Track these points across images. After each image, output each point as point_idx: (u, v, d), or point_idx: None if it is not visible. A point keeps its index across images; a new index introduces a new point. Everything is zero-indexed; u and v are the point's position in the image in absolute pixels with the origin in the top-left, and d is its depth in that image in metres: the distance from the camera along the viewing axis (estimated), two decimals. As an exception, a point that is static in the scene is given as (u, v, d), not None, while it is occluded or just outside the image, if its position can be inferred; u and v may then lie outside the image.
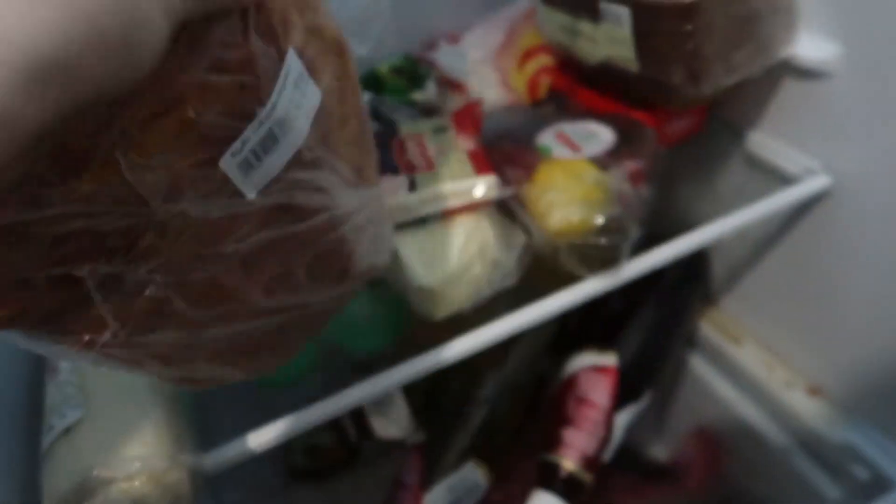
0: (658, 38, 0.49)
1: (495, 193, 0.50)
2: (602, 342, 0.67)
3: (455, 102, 0.71)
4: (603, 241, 0.48)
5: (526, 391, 0.69)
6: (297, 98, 0.30)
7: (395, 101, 0.67)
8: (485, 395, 0.65)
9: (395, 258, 0.50)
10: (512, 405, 0.68)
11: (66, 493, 0.39)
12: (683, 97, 0.52)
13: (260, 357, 0.37)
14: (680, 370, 0.80)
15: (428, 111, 0.68)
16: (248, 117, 0.28)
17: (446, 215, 0.51)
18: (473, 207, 0.51)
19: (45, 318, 0.26)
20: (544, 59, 0.72)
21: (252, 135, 0.28)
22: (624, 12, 0.49)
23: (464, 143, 0.53)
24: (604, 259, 0.50)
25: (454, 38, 0.75)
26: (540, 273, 0.53)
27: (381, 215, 0.40)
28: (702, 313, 0.76)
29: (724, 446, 0.77)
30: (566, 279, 0.54)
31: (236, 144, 0.28)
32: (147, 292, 0.28)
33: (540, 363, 0.70)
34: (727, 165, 0.65)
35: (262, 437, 0.46)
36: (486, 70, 0.73)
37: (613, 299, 0.70)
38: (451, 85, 0.73)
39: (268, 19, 0.28)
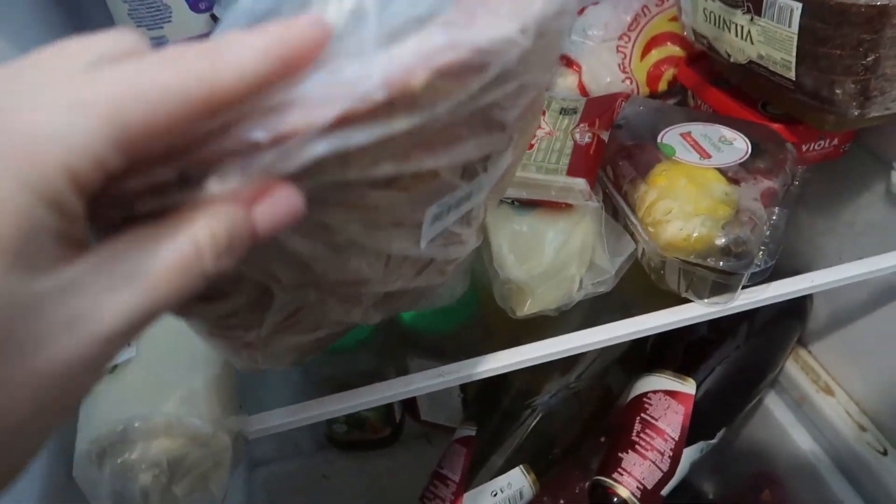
0: (830, 43, 0.42)
1: (576, 199, 0.45)
2: (681, 367, 0.61)
3: (565, 81, 0.66)
4: (721, 264, 0.42)
5: (588, 403, 0.64)
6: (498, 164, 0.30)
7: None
8: (544, 402, 0.61)
9: (485, 243, 0.45)
10: (571, 415, 0.63)
11: (102, 436, 0.36)
12: (841, 117, 0.45)
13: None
14: (754, 406, 0.74)
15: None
16: (471, 178, 0.28)
17: (547, 207, 0.46)
18: (570, 205, 0.46)
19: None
20: (672, 49, 0.65)
21: (460, 192, 0.28)
22: (795, 7, 0.42)
23: (579, 134, 0.48)
24: (716, 285, 0.44)
25: (577, 12, 0.69)
26: (634, 284, 0.48)
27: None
28: (792, 352, 0.70)
29: (788, 496, 0.71)
30: (663, 297, 0.48)
31: (446, 199, 0.28)
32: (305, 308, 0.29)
33: (607, 376, 0.64)
34: (865, 199, 0.58)
35: (311, 411, 0.43)
36: (604, 51, 0.67)
37: (699, 324, 0.64)
38: (564, 60, 0.67)
39: None
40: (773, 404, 0.71)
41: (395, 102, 0.19)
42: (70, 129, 0.15)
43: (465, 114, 0.23)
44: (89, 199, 0.16)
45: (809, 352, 0.70)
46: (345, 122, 0.18)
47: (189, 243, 0.17)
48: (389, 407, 0.71)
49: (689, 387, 0.59)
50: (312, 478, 0.76)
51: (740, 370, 0.62)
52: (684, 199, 0.44)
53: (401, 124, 0.20)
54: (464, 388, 0.67)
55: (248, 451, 0.76)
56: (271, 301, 0.27)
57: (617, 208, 0.49)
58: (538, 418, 0.61)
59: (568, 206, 0.45)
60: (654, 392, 0.60)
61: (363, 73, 0.19)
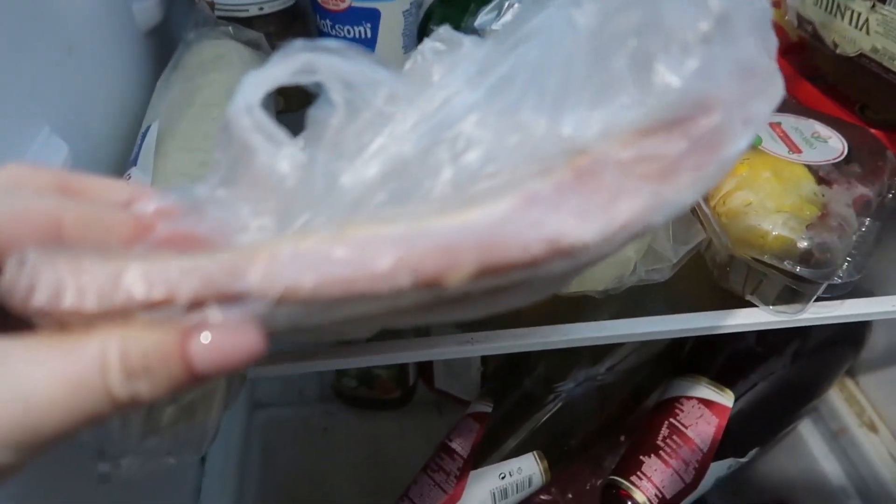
0: (967, 40, 0.37)
1: None
2: (720, 377, 0.57)
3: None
4: (799, 270, 0.38)
5: (613, 398, 0.60)
6: None
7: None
8: (568, 389, 0.57)
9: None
10: (594, 408, 0.59)
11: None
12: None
13: None
14: (788, 439, 0.69)
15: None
16: None
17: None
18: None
19: None
20: (764, 36, 0.60)
21: None
22: (932, -5, 0.37)
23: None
24: (786, 291, 0.40)
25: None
26: (688, 279, 0.44)
27: None
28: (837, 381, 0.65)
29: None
30: (717, 296, 0.44)
31: None
32: None
33: (639, 373, 0.60)
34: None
35: (320, 363, 0.39)
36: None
37: (748, 333, 0.60)
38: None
39: None
40: (808, 432, 0.67)
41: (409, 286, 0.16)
42: None
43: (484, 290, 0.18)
44: None
45: (857, 383, 0.65)
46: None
47: (93, 356, 0.14)
48: (403, 368, 0.68)
49: (727, 398, 0.55)
50: (312, 428, 0.73)
51: (784, 391, 0.57)
52: (767, 192, 0.40)
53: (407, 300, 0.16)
54: (484, 361, 0.64)
55: (249, 392, 0.74)
56: None
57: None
58: (559, 406, 0.57)
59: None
60: (688, 398, 0.56)
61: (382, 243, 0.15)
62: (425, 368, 0.69)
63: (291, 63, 0.18)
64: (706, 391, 0.56)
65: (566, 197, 0.16)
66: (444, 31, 0.21)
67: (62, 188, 0.18)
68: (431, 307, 0.17)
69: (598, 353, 0.57)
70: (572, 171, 0.17)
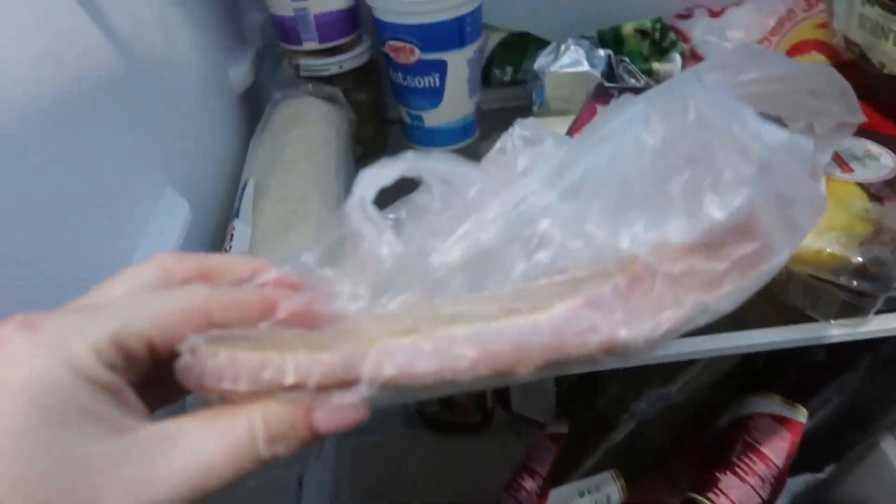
0: None
1: None
2: (793, 393, 0.58)
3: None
4: (855, 284, 0.39)
5: (687, 416, 0.62)
6: None
7: (634, 66, 0.60)
8: (642, 409, 0.59)
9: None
10: (668, 426, 0.61)
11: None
12: None
13: None
14: (867, 448, 0.68)
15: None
16: None
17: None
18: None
19: None
20: (816, 58, 0.62)
21: None
22: (970, 16, 0.39)
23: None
24: (846, 305, 0.42)
25: (715, 12, 0.67)
26: (754, 295, 0.46)
27: None
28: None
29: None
30: (782, 313, 0.46)
31: None
32: None
33: (711, 391, 0.62)
34: None
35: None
36: (742, 55, 0.64)
37: (817, 348, 0.61)
38: (697, 60, 0.65)
39: None
40: (890, 448, 0.66)
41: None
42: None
43: None
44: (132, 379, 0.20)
45: (940, 396, 0.64)
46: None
47: (244, 428, 0.19)
48: (482, 393, 0.71)
49: (800, 415, 0.56)
50: (398, 453, 0.77)
51: (858, 405, 0.58)
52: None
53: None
54: (558, 383, 0.67)
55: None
56: None
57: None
58: (633, 425, 0.59)
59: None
60: (761, 415, 0.57)
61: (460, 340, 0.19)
62: (502, 393, 0.73)
63: (400, 166, 0.23)
64: (779, 408, 0.57)
65: (620, 302, 0.20)
66: (531, 122, 0.26)
67: (202, 273, 0.23)
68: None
69: (669, 372, 0.59)
70: (626, 277, 0.20)
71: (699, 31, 0.65)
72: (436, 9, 0.53)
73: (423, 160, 0.23)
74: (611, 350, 0.20)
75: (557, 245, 0.21)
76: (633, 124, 0.23)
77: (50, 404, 0.17)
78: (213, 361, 0.20)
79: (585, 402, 0.62)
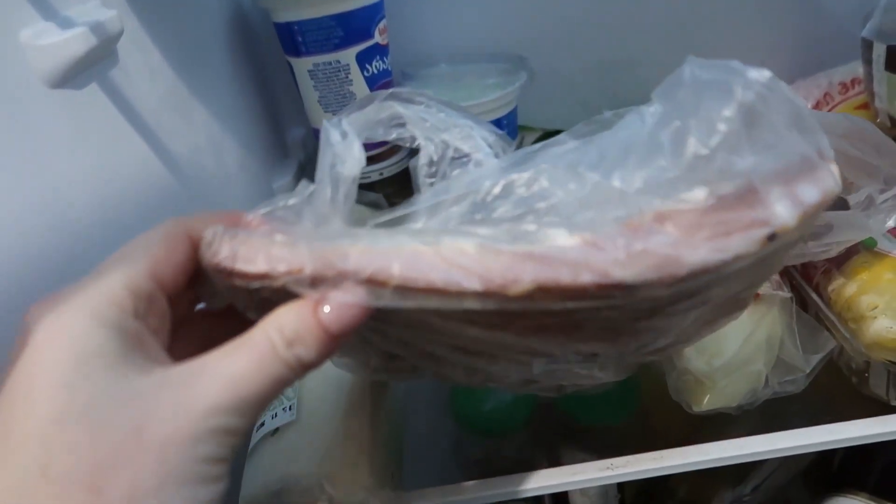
0: None
1: (763, 287, 0.41)
2: (880, 490, 0.53)
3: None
4: (943, 369, 0.37)
5: (764, 520, 0.57)
6: None
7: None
8: (714, 513, 0.55)
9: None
10: (744, 532, 0.56)
11: (259, 495, 0.37)
12: None
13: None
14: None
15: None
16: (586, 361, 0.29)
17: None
18: (757, 294, 0.42)
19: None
20: (859, 138, 0.61)
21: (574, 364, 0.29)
22: None
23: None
24: (935, 392, 0.39)
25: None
26: (827, 387, 0.43)
27: None
28: None
29: None
30: (861, 404, 0.43)
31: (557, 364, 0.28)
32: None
33: (788, 491, 0.57)
34: None
35: (466, 493, 0.41)
36: (782, 140, 0.64)
37: (900, 440, 0.56)
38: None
39: None
40: None
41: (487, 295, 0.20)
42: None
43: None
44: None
45: None
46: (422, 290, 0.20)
47: (262, 338, 0.21)
48: (540, 501, 0.67)
49: (890, 514, 0.51)
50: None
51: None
52: (892, 293, 0.40)
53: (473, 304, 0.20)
54: (621, 489, 0.63)
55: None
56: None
57: (807, 301, 0.45)
58: (706, 532, 0.55)
59: (754, 296, 0.42)
60: (848, 516, 0.52)
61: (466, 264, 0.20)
62: (561, 499, 0.68)
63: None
64: (865, 507, 0.52)
65: (614, 245, 0.20)
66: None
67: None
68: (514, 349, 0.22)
69: (740, 472, 0.55)
70: (628, 225, 0.20)
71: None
72: (477, 113, 0.54)
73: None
74: (603, 284, 0.20)
75: (557, 195, 0.22)
76: (638, 111, 0.24)
77: (87, 352, 0.19)
78: (231, 242, 0.22)
79: (651, 507, 0.58)
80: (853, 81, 0.62)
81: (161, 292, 0.22)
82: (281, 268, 0.21)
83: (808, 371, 0.40)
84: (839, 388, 0.43)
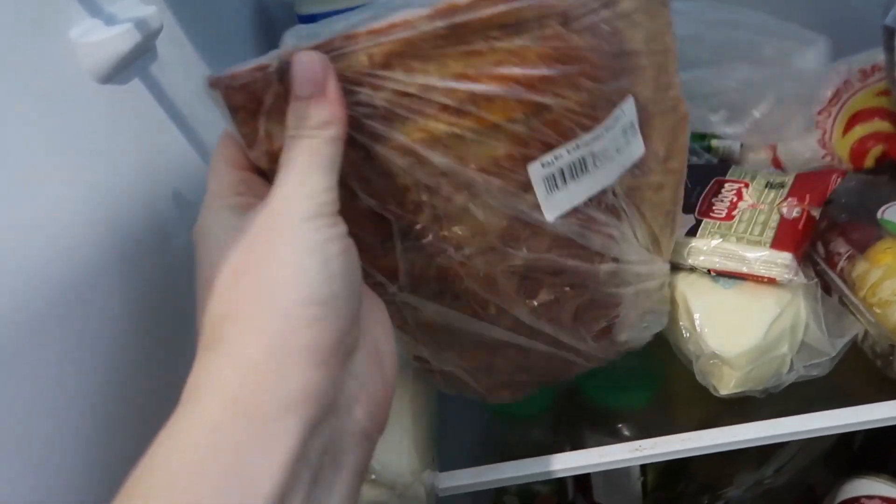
0: None
1: (779, 273, 0.42)
2: (902, 473, 0.54)
3: (758, 156, 0.64)
4: (967, 352, 0.37)
5: (786, 501, 0.58)
6: (619, 142, 0.32)
7: (692, 144, 0.61)
8: (735, 496, 0.56)
9: (684, 314, 0.44)
10: (765, 514, 0.57)
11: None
12: None
13: (495, 380, 0.40)
14: None
15: (723, 162, 0.61)
16: (569, 137, 0.29)
17: (752, 280, 0.43)
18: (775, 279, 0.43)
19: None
20: (879, 125, 0.61)
21: (566, 154, 0.30)
22: None
23: (787, 209, 0.45)
24: (959, 375, 0.40)
25: (769, 88, 0.67)
26: (851, 371, 0.44)
27: (660, 296, 0.41)
28: None
29: None
30: (885, 387, 0.44)
31: (549, 157, 0.29)
32: (439, 259, 0.31)
33: (809, 474, 0.58)
34: None
35: (499, 474, 0.43)
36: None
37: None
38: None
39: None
40: None
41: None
42: None
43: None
44: None
45: None
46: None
47: (291, 143, 0.24)
48: (562, 483, 0.68)
49: (912, 496, 0.52)
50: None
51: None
52: (917, 278, 0.40)
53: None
54: (644, 471, 0.64)
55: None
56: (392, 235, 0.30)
57: (831, 287, 0.45)
58: (728, 514, 0.56)
59: (772, 281, 0.42)
60: (869, 498, 0.53)
61: None
62: (583, 482, 0.70)
63: None
64: (886, 489, 0.53)
65: None
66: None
67: None
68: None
69: (762, 454, 0.56)
70: None
71: (755, 105, 0.65)
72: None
73: None
74: None
75: None
76: None
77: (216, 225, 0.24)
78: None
79: (673, 491, 0.59)
80: (873, 68, 0.62)
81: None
82: (254, 67, 0.25)
83: (832, 355, 0.41)
84: (863, 371, 0.44)
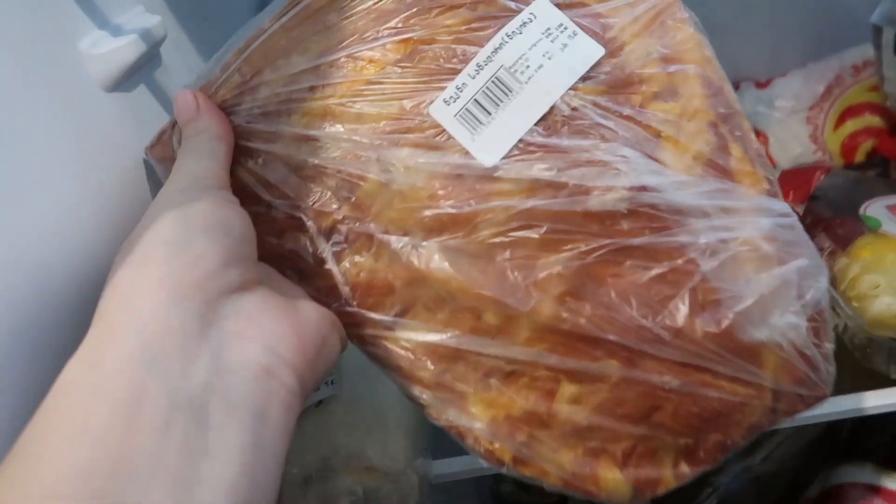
0: None
1: None
2: (887, 460, 0.55)
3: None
4: (940, 345, 0.39)
5: (773, 489, 0.60)
6: (546, 47, 0.27)
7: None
8: (723, 483, 0.57)
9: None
10: (752, 501, 0.59)
11: (309, 463, 0.40)
12: None
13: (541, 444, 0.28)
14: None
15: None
16: (463, 60, 0.26)
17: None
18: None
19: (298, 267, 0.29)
20: (870, 120, 0.63)
21: (470, 81, 0.26)
22: None
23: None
24: (932, 367, 0.41)
25: (762, 83, 0.68)
26: (838, 361, 0.45)
27: (784, 251, 0.27)
28: None
29: None
30: (866, 378, 0.45)
31: (450, 91, 0.26)
32: (383, 257, 0.27)
33: (796, 461, 0.60)
34: None
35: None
36: (794, 122, 0.65)
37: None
38: (750, 133, 0.66)
39: None
40: None
41: None
42: None
43: None
44: None
45: None
46: None
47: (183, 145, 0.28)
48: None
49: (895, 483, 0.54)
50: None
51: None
52: (894, 273, 0.42)
53: None
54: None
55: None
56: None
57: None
58: (716, 501, 0.57)
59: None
60: (853, 484, 0.55)
61: None
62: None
63: None
64: (873, 476, 0.55)
65: None
66: None
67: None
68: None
69: (751, 442, 0.57)
70: None
71: (748, 102, 0.67)
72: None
73: None
74: None
75: None
76: None
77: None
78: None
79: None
80: (865, 64, 0.63)
81: None
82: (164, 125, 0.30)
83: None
84: (843, 363, 0.45)
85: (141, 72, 0.36)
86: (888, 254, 0.43)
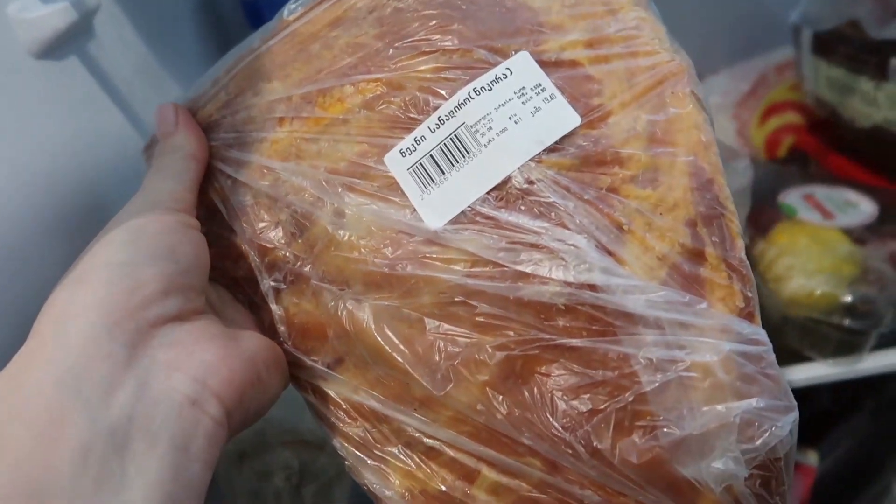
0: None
1: None
2: (800, 438, 0.59)
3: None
4: (847, 322, 0.42)
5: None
6: (516, 109, 0.24)
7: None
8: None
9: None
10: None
11: (246, 437, 0.40)
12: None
13: None
14: (880, 493, 0.69)
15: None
16: (424, 111, 0.24)
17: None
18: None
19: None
20: (790, 117, 0.66)
21: (429, 134, 0.24)
22: (924, 73, 0.43)
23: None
24: (841, 343, 0.44)
25: (694, 80, 0.71)
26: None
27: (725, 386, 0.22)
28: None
29: None
30: (785, 356, 0.48)
31: (407, 141, 0.24)
32: (324, 305, 0.25)
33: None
34: None
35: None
36: (722, 119, 0.68)
37: (821, 393, 0.62)
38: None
39: None
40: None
41: None
42: None
43: None
44: None
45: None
46: None
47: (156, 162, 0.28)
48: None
49: (811, 459, 0.57)
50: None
51: (867, 446, 0.59)
52: (807, 256, 0.44)
53: None
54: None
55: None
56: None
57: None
58: None
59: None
60: (771, 461, 0.58)
61: None
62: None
63: None
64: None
65: None
66: None
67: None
68: None
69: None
70: None
71: (680, 97, 0.69)
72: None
73: None
74: None
75: None
76: None
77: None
78: None
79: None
80: (788, 64, 0.67)
81: None
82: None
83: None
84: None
85: (73, 42, 0.35)
86: (802, 238, 0.46)
